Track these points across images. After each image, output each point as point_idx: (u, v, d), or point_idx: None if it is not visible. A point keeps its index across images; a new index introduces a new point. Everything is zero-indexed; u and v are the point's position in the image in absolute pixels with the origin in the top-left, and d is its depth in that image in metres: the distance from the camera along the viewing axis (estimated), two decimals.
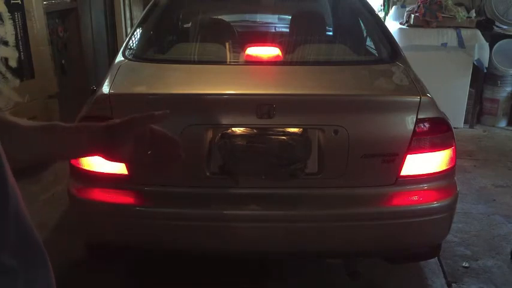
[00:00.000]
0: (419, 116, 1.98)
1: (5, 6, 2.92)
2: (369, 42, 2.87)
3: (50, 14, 3.71)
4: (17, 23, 3.01)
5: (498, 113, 5.15)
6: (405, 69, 2.33)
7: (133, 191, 2.05)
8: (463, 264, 2.64)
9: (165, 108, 0.96)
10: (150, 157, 0.96)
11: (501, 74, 5.00)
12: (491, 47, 4.83)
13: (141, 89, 2.20)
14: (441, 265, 2.61)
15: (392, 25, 4.96)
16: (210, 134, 1.98)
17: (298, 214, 2.03)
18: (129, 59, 2.41)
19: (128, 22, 5.31)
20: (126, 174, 2.00)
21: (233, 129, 1.97)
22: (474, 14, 4.88)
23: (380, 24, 2.88)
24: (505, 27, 4.95)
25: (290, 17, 3.34)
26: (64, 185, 2.39)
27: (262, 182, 2.02)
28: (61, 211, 3.04)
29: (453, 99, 4.70)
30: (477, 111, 5.14)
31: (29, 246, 0.55)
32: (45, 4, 3.45)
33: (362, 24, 3.03)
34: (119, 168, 2.00)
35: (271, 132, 1.97)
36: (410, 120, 1.99)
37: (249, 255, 2.18)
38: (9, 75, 2.97)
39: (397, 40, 2.72)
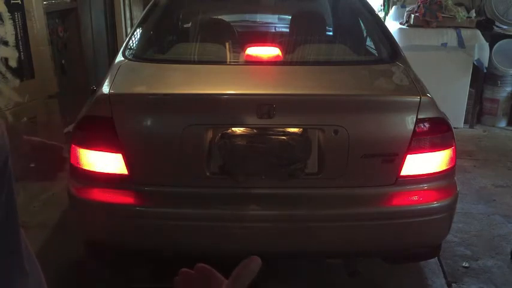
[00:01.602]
0: (419, 116, 1.98)
1: (5, 6, 2.91)
2: (368, 42, 2.87)
3: (50, 14, 3.70)
4: (17, 23, 3.01)
5: (498, 113, 5.15)
6: (405, 69, 2.33)
7: (133, 191, 2.05)
8: (463, 264, 2.64)
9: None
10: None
11: (501, 74, 5.00)
12: (491, 47, 4.83)
13: (141, 89, 2.20)
14: (441, 265, 2.61)
15: (392, 25, 4.96)
16: (210, 134, 1.98)
17: (298, 214, 2.03)
18: (129, 59, 2.41)
19: (128, 22, 5.30)
20: (126, 174, 2.01)
21: (233, 129, 1.97)
22: (474, 14, 4.88)
23: (380, 24, 2.88)
24: (505, 27, 4.95)
25: (290, 17, 3.34)
26: (64, 185, 2.39)
27: (262, 182, 2.02)
28: (61, 211, 3.03)
29: (453, 99, 4.70)
30: (477, 111, 5.14)
31: (29, 255, 0.60)
32: (45, 4, 3.45)
33: (362, 24, 3.03)
34: (119, 168, 2.00)
35: (271, 132, 1.97)
36: (410, 120, 1.99)
37: (249, 255, 2.18)
38: (9, 75, 2.97)
39: (397, 40, 2.72)
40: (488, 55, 4.79)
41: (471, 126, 5.08)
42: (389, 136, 2.02)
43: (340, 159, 1.99)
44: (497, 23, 4.96)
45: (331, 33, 3.30)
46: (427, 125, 2.00)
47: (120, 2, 5.16)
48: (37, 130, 3.17)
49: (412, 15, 4.85)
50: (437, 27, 4.77)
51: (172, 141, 1.96)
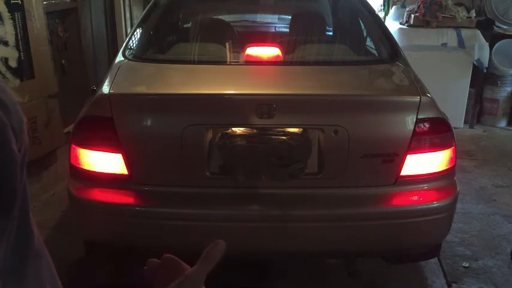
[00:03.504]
0: (419, 116, 1.98)
1: (5, 6, 2.91)
2: (369, 42, 2.87)
3: (50, 14, 3.70)
4: (17, 23, 3.01)
5: (498, 113, 5.15)
6: (405, 69, 2.33)
7: (134, 191, 2.05)
8: (463, 264, 2.64)
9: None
10: None
11: (501, 74, 5.00)
12: (491, 47, 4.83)
13: (141, 89, 2.20)
14: (441, 265, 2.60)
15: (393, 25, 4.96)
16: (210, 134, 1.98)
17: (298, 214, 2.03)
18: (129, 59, 2.41)
19: (128, 22, 5.30)
20: (126, 174, 2.01)
21: (233, 129, 1.97)
22: (474, 14, 4.88)
23: (380, 24, 2.88)
24: (505, 27, 4.95)
25: (290, 17, 3.34)
26: (64, 185, 2.39)
27: (262, 182, 2.02)
28: (61, 211, 3.03)
29: (453, 99, 4.70)
30: (477, 111, 5.14)
31: (40, 238, 0.63)
32: (45, 4, 3.45)
33: (362, 24, 3.03)
34: (119, 168, 2.00)
35: (271, 132, 1.97)
36: (410, 120, 1.99)
37: (249, 255, 2.18)
38: (9, 75, 2.96)
39: (397, 40, 2.73)
40: (488, 55, 4.79)
41: (471, 126, 5.07)
42: (389, 136, 2.02)
43: (340, 159, 1.99)
44: (497, 23, 4.95)
45: (331, 33, 3.30)
46: (427, 125, 2.00)
47: (120, 2, 5.16)
48: (37, 130, 3.17)
49: (412, 15, 4.85)
50: (437, 27, 4.76)
51: (172, 141, 1.96)
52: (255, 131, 1.99)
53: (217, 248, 0.69)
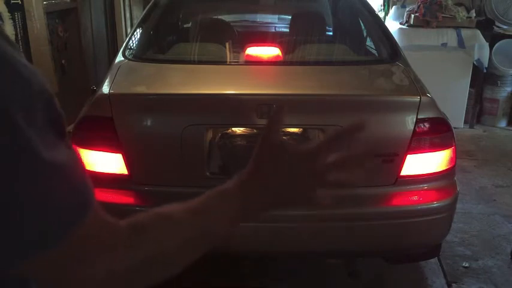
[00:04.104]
0: (420, 116, 1.98)
1: (5, 6, 2.92)
2: (369, 42, 2.87)
3: (50, 14, 3.70)
4: (17, 23, 3.01)
5: (498, 113, 5.15)
6: (405, 69, 2.33)
7: (134, 191, 2.04)
8: (463, 264, 2.64)
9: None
10: None
11: (501, 74, 5.00)
12: (491, 47, 4.83)
13: (141, 89, 2.20)
14: (441, 265, 2.60)
15: (393, 25, 4.96)
16: (210, 134, 1.98)
17: (298, 214, 2.02)
18: (129, 59, 2.41)
19: (128, 22, 5.30)
20: (126, 174, 2.00)
21: (233, 129, 1.97)
22: (474, 14, 4.88)
23: (380, 24, 2.88)
24: (505, 27, 4.95)
25: (290, 17, 3.34)
26: None
27: None
28: None
29: (453, 99, 4.70)
30: (477, 111, 5.14)
31: None
32: (45, 4, 3.45)
33: (362, 24, 3.03)
34: (119, 168, 2.00)
35: None
36: (410, 120, 1.99)
37: (249, 255, 2.18)
38: None
39: (397, 40, 2.72)
40: (488, 55, 4.79)
41: (471, 126, 5.07)
42: (389, 136, 2.02)
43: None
44: (497, 23, 4.96)
45: (331, 33, 3.30)
46: (427, 125, 2.00)
47: (120, 2, 5.17)
48: None
49: (412, 15, 4.85)
50: (437, 27, 4.76)
51: (172, 141, 1.96)
52: (255, 131, 1.98)
53: (279, 109, 0.74)
